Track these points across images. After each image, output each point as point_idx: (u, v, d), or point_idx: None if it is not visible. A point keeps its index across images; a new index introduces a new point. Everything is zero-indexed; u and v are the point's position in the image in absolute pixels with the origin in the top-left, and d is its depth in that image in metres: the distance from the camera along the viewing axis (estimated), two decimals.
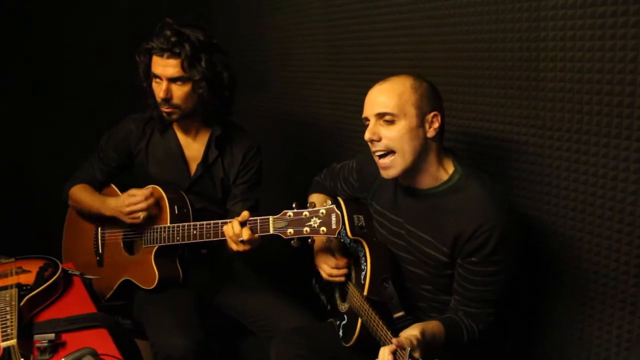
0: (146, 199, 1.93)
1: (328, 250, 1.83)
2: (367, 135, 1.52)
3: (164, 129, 2.11)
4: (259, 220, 1.68)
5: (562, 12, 1.49)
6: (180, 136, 2.11)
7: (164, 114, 2.00)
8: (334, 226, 1.57)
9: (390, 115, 1.49)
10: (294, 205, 1.62)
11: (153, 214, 1.97)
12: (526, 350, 1.81)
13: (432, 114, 1.51)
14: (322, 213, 1.59)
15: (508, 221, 1.46)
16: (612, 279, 1.50)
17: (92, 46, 2.96)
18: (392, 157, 1.51)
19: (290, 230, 1.62)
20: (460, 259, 1.52)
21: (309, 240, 1.63)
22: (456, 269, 1.54)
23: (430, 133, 1.51)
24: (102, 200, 2.08)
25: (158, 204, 1.97)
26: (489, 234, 1.44)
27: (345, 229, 1.81)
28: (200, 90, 1.97)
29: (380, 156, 1.54)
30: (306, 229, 1.60)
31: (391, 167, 1.52)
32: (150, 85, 2.01)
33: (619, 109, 1.40)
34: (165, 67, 1.92)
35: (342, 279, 1.78)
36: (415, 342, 1.34)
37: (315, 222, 1.59)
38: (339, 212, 1.57)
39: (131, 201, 1.94)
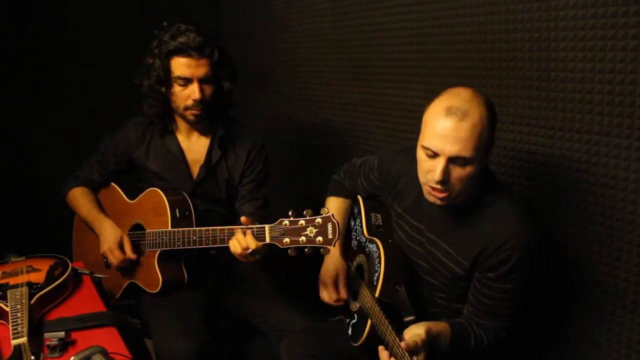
0: (122, 262, 1.99)
1: (334, 277, 1.85)
2: (438, 177, 1.37)
3: (165, 133, 2.08)
4: (255, 229, 1.64)
5: (572, 12, 1.48)
6: (182, 139, 2.09)
7: (192, 117, 1.97)
8: (330, 236, 1.54)
9: (465, 160, 1.36)
10: (290, 213, 1.59)
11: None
12: (535, 352, 1.80)
13: (492, 147, 1.45)
14: (318, 222, 1.55)
15: (531, 241, 1.44)
16: (623, 281, 1.49)
17: (93, 46, 2.95)
18: (448, 192, 1.42)
19: (287, 240, 1.58)
20: (477, 273, 1.50)
21: (306, 249, 1.59)
22: (473, 281, 1.52)
23: (485, 165, 1.47)
24: (99, 219, 2.08)
25: (158, 207, 1.97)
26: (510, 252, 1.42)
27: (362, 227, 1.80)
28: (228, 85, 2.01)
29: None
30: (302, 238, 1.56)
31: (443, 197, 1.43)
32: (167, 90, 1.96)
33: (631, 109, 1.39)
34: (197, 67, 1.90)
35: (340, 303, 1.84)
36: (419, 342, 1.34)
37: (311, 231, 1.55)
38: (335, 222, 1.54)
39: (112, 252, 1.99)
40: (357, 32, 2.38)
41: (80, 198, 2.16)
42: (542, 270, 1.68)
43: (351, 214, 1.96)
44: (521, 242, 1.42)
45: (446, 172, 1.37)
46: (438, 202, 1.46)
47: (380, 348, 1.40)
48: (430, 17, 1.96)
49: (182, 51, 1.89)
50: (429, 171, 1.41)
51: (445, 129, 1.35)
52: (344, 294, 1.82)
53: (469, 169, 1.38)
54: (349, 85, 2.51)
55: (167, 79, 1.94)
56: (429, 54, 2.00)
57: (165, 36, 1.92)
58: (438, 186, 1.40)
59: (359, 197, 1.90)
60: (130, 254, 1.99)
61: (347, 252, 1.93)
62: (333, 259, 1.88)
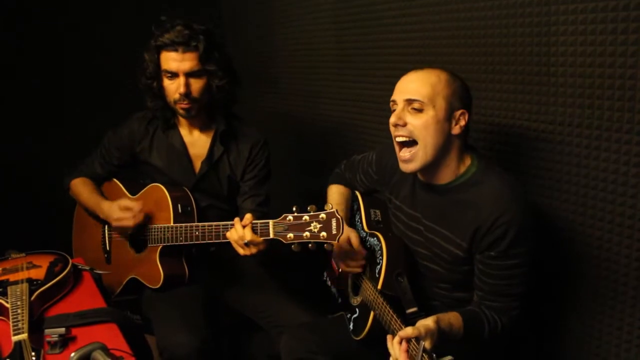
0: (134, 217, 1.93)
1: (347, 240, 1.75)
2: (393, 120, 1.51)
3: (168, 127, 2.09)
4: (259, 224, 1.65)
5: (573, 7, 1.47)
6: (185, 134, 2.10)
7: (182, 111, 1.98)
8: (334, 231, 1.54)
9: (419, 103, 1.48)
10: (294, 209, 1.59)
11: (150, 214, 1.98)
12: (537, 346, 1.80)
13: (460, 111, 1.51)
14: (323, 218, 1.55)
15: (525, 214, 1.46)
16: (623, 275, 1.49)
17: (93, 46, 2.96)
18: (414, 150, 1.50)
19: (290, 235, 1.59)
20: (478, 254, 1.51)
21: (309, 245, 1.59)
22: (476, 264, 1.53)
23: (455, 130, 1.51)
24: (98, 202, 2.08)
25: (160, 203, 1.97)
26: (506, 227, 1.43)
27: (361, 222, 1.80)
28: (217, 82, 1.99)
29: (402, 143, 1.52)
30: (306, 233, 1.57)
31: (412, 160, 1.51)
32: (159, 85, 1.99)
33: (631, 103, 1.39)
34: (182, 61, 1.91)
35: (359, 270, 1.75)
36: (423, 330, 1.33)
37: (315, 226, 1.56)
38: (339, 217, 1.54)
39: (120, 216, 1.95)
40: (357, 27, 2.37)
41: (80, 187, 2.16)
42: (542, 266, 1.68)
43: (351, 210, 1.96)
44: (514, 217, 1.44)
45: (401, 116, 1.51)
46: (409, 167, 1.53)
47: (389, 337, 1.40)
48: (430, 11, 1.96)
49: (168, 45, 1.91)
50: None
51: (402, 79, 1.56)
52: (362, 250, 1.73)
53: (424, 117, 1.48)
54: (349, 80, 2.50)
55: (157, 73, 1.97)
56: (430, 49, 1.99)
57: (159, 31, 1.94)
58: (399, 132, 1.51)
59: (357, 193, 1.91)
60: (135, 206, 1.93)
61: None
62: None
